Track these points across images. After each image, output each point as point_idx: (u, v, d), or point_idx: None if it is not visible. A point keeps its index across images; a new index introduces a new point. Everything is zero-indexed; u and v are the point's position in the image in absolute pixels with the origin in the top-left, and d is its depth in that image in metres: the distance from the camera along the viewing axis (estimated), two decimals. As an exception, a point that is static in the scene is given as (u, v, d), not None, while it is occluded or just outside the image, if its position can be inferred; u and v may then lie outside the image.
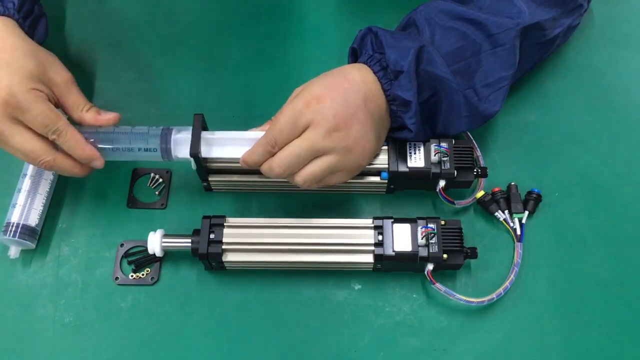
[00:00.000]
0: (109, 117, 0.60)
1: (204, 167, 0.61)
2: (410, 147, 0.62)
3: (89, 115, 0.60)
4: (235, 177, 0.64)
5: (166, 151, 0.60)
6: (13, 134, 0.55)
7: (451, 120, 0.61)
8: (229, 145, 0.60)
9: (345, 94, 0.55)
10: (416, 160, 0.62)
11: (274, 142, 0.55)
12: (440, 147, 0.61)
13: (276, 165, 0.55)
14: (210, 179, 0.64)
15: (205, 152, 0.59)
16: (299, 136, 0.54)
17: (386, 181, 0.63)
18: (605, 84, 0.72)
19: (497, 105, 0.61)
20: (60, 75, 0.59)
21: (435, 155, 0.61)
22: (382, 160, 0.62)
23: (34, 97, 0.55)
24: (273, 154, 0.56)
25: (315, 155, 0.55)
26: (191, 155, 0.58)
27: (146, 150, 0.60)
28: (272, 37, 0.75)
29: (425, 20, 0.61)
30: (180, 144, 0.60)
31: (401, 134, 0.61)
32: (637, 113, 0.70)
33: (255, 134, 0.59)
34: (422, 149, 0.62)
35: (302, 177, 0.56)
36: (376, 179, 0.63)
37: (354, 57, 0.63)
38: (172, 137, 0.60)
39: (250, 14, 0.77)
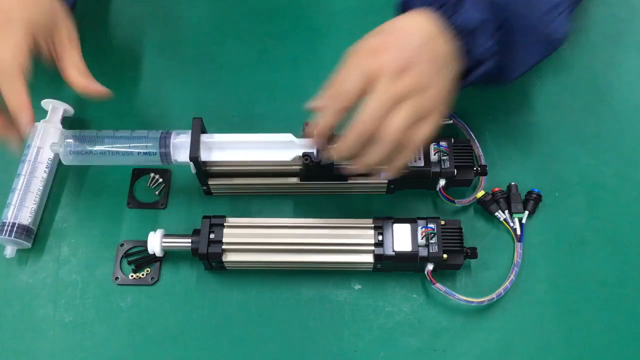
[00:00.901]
0: (98, 87, 0.58)
1: (204, 171, 0.61)
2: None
3: (81, 78, 0.58)
4: (235, 181, 0.64)
5: (165, 155, 0.60)
6: None
7: (522, 53, 0.58)
8: (228, 149, 0.60)
9: (402, 38, 0.52)
10: (416, 159, 0.62)
11: (343, 96, 0.51)
12: (440, 145, 0.61)
13: (362, 122, 0.50)
14: (209, 182, 0.64)
15: (205, 155, 0.59)
16: (366, 92, 0.51)
17: (386, 181, 0.63)
18: (605, 84, 0.72)
19: (566, 27, 0.58)
20: (65, 32, 0.58)
21: (435, 155, 0.61)
22: None
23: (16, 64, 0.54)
24: (343, 113, 0.51)
25: (395, 102, 0.50)
26: (190, 159, 0.58)
27: (145, 154, 0.60)
28: (272, 37, 0.75)
29: None
30: (180, 148, 0.60)
31: (477, 71, 0.56)
32: (637, 113, 0.70)
33: (254, 136, 0.59)
34: (421, 149, 0.62)
35: (392, 128, 0.50)
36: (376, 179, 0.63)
37: (403, 10, 0.59)
38: (172, 141, 0.60)
39: (250, 14, 0.77)
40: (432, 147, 0.61)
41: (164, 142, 0.59)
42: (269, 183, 0.64)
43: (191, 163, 0.59)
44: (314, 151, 0.58)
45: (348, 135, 0.52)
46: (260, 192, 0.66)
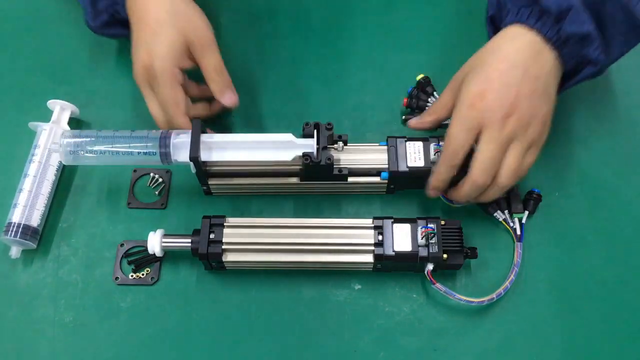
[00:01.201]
0: (226, 99, 0.64)
1: (204, 171, 0.61)
2: (409, 146, 0.62)
3: (213, 87, 0.63)
4: (235, 181, 0.64)
5: (165, 155, 0.60)
6: (146, 95, 0.63)
7: (614, 42, 0.58)
8: (228, 149, 0.60)
9: (503, 77, 0.55)
10: (416, 159, 0.62)
11: (454, 154, 0.56)
12: (440, 145, 0.61)
13: (476, 176, 0.55)
14: (210, 182, 0.64)
15: (205, 156, 0.59)
16: (476, 141, 0.55)
17: (386, 181, 0.63)
18: (605, 84, 0.72)
19: None
20: (198, 37, 0.62)
21: (435, 155, 0.61)
22: (382, 160, 0.62)
23: (168, 78, 0.60)
24: (456, 168, 0.57)
25: (503, 149, 0.55)
26: (190, 159, 0.58)
27: (145, 154, 0.60)
28: (272, 37, 0.75)
29: None
30: (180, 148, 0.60)
31: (580, 75, 0.58)
32: (637, 113, 0.70)
33: (254, 136, 0.60)
34: (421, 148, 0.62)
35: (505, 176, 0.56)
36: (376, 179, 0.63)
37: (494, 25, 0.62)
38: (172, 141, 0.59)
39: (250, 14, 0.77)
40: (432, 147, 0.61)
41: (164, 142, 0.59)
42: (269, 183, 0.64)
43: (191, 163, 0.59)
44: (314, 151, 0.59)
45: (465, 185, 0.57)
46: (260, 192, 0.66)
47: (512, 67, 0.55)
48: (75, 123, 0.70)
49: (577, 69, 0.58)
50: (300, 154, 0.59)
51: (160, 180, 0.67)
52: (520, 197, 0.64)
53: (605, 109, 0.71)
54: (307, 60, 0.74)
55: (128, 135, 0.60)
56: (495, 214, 0.63)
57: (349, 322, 0.60)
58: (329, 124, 0.60)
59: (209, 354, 0.59)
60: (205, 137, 0.59)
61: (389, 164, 0.62)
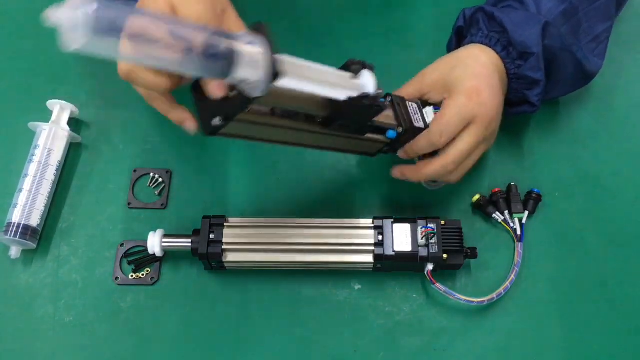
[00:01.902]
0: None
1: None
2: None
3: None
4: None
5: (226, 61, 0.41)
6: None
7: (557, 85, 0.63)
8: (309, 81, 0.46)
9: (489, 80, 0.58)
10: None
11: (439, 135, 0.56)
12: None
13: (449, 162, 0.57)
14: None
15: (284, 81, 0.44)
16: (463, 130, 0.56)
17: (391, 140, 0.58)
18: (605, 84, 0.72)
19: (602, 59, 0.64)
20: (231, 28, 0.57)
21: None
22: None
23: None
24: (434, 148, 0.57)
25: (478, 147, 0.58)
26: (263, 84, 0.42)
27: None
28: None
29: None
30: (246, 63, 0.42)
31: (519, 108, 0.62)
32: (637, 113, 0.70)
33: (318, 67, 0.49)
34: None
35: (462, 173, 0.59)
36: (382, 137, 0.58)
37: (459, 36, 0.64)
38: (237, 46, 0.41)
39: (250, 14, 0.77)
40: None
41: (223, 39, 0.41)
42: (289, 126, 0.52)
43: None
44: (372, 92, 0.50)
45: (434, 165, 0.57)
46: (274, 140, 0.55)
47: (492, 75, 0.58)
48: (75, 123, 0.70)
49: (515, 102, 0.62)
50: (355, 94, 0.49)
51: (160, 180, 0.67)
52: (520, 197, 0.64)
53: (605, 109, 0.71)
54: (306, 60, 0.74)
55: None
56: (494, 215, 0.64)
57: (349, 322, 0.60)
58: (371, 64, 0.52)
59: (209, 354, 0.59)
60: (281, 57, 0.44)
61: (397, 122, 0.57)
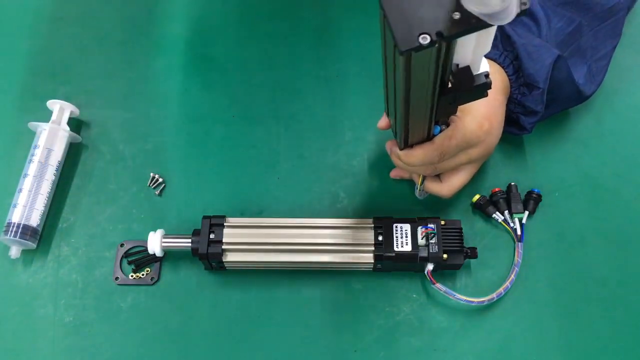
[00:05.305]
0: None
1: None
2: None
3: None
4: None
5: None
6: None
7: (550, 105, 0.62)
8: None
9: (501, 109, 0.59)
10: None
11: (440, 156, 0.55)
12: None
13: (437, 167, 0.57)
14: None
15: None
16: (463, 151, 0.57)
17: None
18: (605, 84, 0.72)
19: (603, 77, 0.64)
20: None
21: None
22: None
23: None
24: (430, 164, 0.56)
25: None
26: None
27: None
28: (272, 37, 0.75)
29: (541, 7, 0.61)
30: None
31: (508, 128, 0.62)
32: (637, 113, 0.70)
33: None
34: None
35: (452, 192, 0.61)
36: None
37: None
38: None
39: (250, 14, 0.77)
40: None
41: None
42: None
43: None
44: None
45: (419, 155, 0.55)
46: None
47: (503, 99, 0.59)
48: (75, 123, 0.70)
49: (505, 121, 0.61)
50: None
51: (160, 180, 0.67)
52: (520, 197, 0.64)
53: (605, 109, 0.71)
54: (306, 60, 0.74)
55: None
56: (495, 215, 0.64)
57: (349, 322, 0.60)
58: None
59: (209, 354, 0.59)
60: None
61: None
